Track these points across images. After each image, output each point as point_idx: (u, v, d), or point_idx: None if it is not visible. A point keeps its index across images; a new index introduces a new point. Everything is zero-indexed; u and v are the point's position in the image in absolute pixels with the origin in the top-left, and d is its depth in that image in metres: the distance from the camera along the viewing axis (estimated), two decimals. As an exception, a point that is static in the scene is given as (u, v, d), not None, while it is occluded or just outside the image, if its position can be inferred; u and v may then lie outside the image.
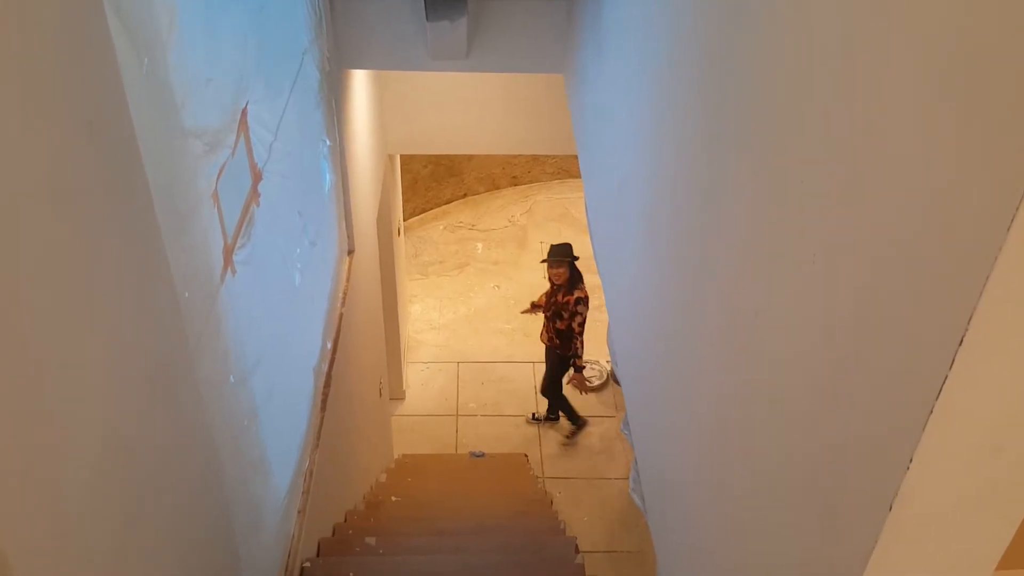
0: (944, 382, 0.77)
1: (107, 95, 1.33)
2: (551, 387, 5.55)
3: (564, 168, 8.37)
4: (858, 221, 0.94)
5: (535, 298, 5.55)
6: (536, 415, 5.78)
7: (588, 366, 5.42)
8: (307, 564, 2.90)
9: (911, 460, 0.82)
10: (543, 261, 5.11)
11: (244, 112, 2.20)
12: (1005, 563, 0.95)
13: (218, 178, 1.97)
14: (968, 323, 0.74)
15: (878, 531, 0.87)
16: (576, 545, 3.55)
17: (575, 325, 5.14)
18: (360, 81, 4.37)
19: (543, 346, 6.43)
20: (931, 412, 0.79)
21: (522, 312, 5.68)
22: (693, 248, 1.61)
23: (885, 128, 0.88)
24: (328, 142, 3.46)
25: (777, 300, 1.18)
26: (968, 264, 0.74)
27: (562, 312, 5.13)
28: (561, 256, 4.99)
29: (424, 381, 6.21)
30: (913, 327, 0.83)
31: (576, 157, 3.44)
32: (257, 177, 2.34)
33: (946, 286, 0.78)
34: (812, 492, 1.06)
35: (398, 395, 5.99)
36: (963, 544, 0.91)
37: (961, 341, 0.75)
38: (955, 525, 0.89)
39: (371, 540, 3.37)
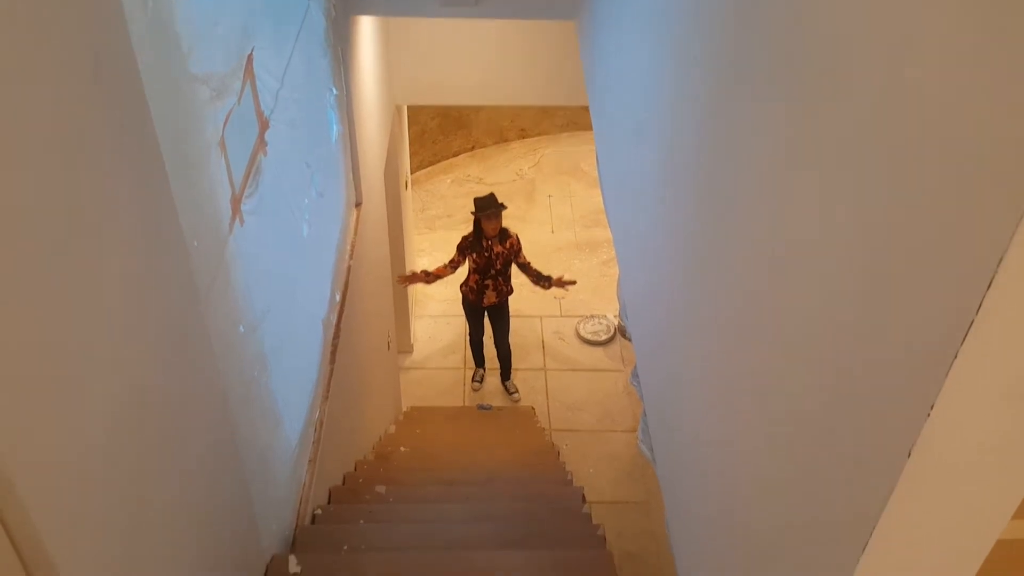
0: (969, 328, 0.76)
1: (110, 36, 1.30)
2: (507, 341, 5.56)
3: (573, 120, 8.27)
4: (883, 166, 0.92)
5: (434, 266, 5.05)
6: (510, 390, 5.75)
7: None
8: (319, 511, 2.94)
9: (932, 407, 0.81)
10: (475, 214, 4.90)
11: (250, 58, 2.16)
12: (1023, 512, 0.95)
13: (225, 125, 1.94)
14: (996, 268, 0.73)
15: (896, 478, 0.87)
16: (583, 495, 3.59)
17: (526, 260, 5.12)
18: (367, 29, 4.29)
19: (552, 300, 6.45)
20: (955, 358, 0.77)
21: (409, 281, 5.07)
22: (711, 195, 1.59)
23: (914, 69, 0.85)
24: (335, 91, 3.41)
25: (798, 247, 1.16)
26: (996, 210, 0.72)
27: (510, 259, 5.11)
28: (494, 206, 4.88)
29: (432, 335, 6.23)
30: (939, 273, 0.81)
31: (586, 109, 3.39)
32: (264, 125, 2.31)
33: (974, 232, 0.76)
34: (828, 440, 1.06)
35: (406, 348, 6.01)
36: (981, 491, 0.90)
37: (989, 285, 0.74)
38: (974, 472, 0.88)
39: (381, 488, 3.41)
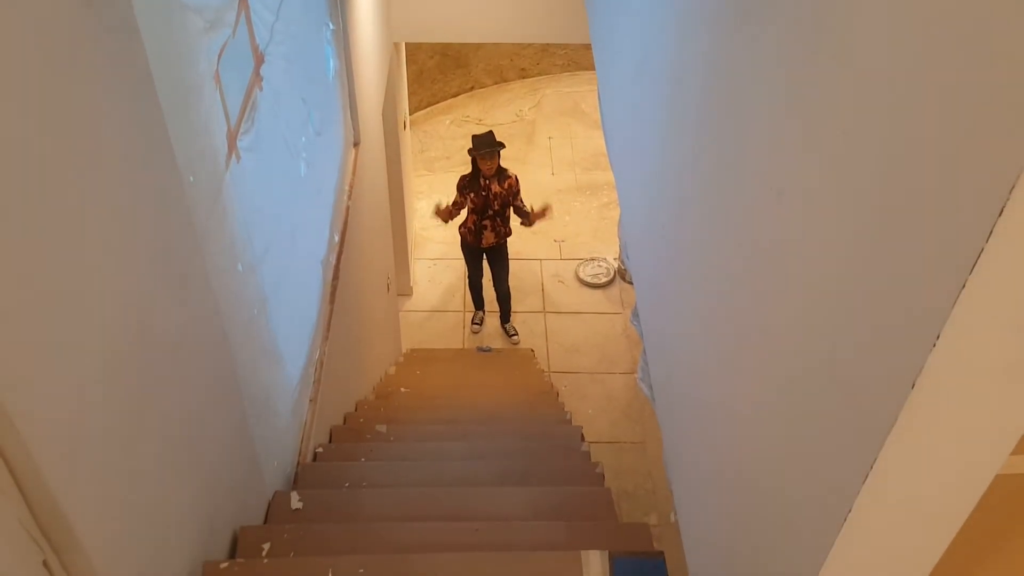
0: (979, 256, 0.74)
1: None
2: (506, 284, 5.56)
3: (574, 60, 8.13)
4: (891, 96, 0.89)
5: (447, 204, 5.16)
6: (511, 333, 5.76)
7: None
8: (320, 449, 2.97)
9: (938, 337, 0.80)
10: (472, 152, 4.89)
11: (244, -11, 2.10)
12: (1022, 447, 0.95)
13: (219, 58, 1.90)
14: (1009, 193, 0.71)
15: (899, 409, 0.86)
16: (582, 433, 3.63)
17: (521, 203, 5.10)
18: (363, -37, 4.18)
19: (551, 243, 6.42)
20: (963, 287, 0.76)
21: (442, 214, 5.14)
22: (715, 131, 1.56)
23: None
24: (331, 26, 3.33)
25: (803, 180, 1.14)
26: (1008, 137, 0.70)
27: (508, 200, 5.08)
28: (491, 145, 4.84)
29: (431, 277, 6.23)
30: (948, 202, 0.79)
31: (587, 48, 3.32)
32: (259, 59, 2.26)
33: (984, 161, 0.74)
34: (829, 370, 1.05)
35: (405, 291, 6.01)
36: (983, 424, 0.90)
37: (1000, 214, 0.72)
38: (976, 404, 0.88)
39: (382, 427, 3.44)
